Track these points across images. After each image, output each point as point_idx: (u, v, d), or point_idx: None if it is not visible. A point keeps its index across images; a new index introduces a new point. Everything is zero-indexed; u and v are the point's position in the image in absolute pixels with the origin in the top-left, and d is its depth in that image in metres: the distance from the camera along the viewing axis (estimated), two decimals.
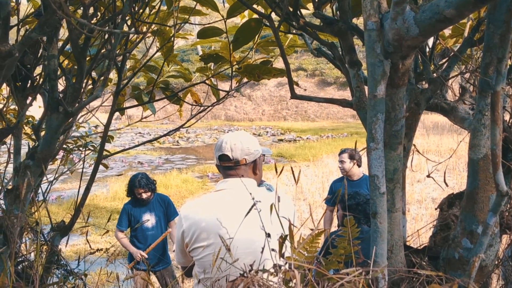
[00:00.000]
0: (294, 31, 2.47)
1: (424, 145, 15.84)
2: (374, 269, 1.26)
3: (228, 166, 2.07)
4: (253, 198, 1.60)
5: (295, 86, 1.91)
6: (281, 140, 22.42)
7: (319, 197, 9.74)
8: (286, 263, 1.13)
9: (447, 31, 2.73)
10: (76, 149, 3.74)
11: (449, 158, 1.94)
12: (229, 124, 30.77)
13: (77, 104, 1.78)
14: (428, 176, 1.86)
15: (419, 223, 7.77)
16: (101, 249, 2.23)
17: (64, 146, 3.52)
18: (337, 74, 31.13)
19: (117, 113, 2.67)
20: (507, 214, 1.51)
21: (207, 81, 2.81)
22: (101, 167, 2.34)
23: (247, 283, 1.02)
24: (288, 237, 1.36)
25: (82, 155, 3.42)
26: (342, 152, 5.29)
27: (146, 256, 4.62)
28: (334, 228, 5.89)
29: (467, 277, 1.31)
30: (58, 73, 1.96)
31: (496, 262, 1.55)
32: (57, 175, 2.58)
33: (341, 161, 5.22)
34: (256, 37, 2.43)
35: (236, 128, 27.41)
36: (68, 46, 2.11)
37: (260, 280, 1.04)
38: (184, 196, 10.93)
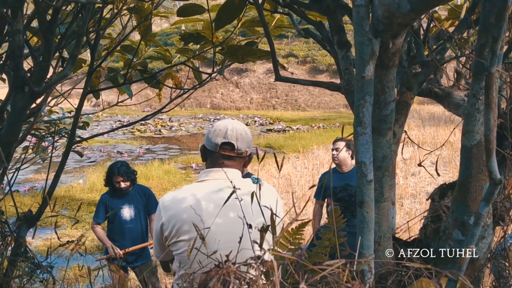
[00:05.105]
0: (281, 10, 2.44)
1: (420, 137, 15.92)
2: (359, 261, 1.25)
3: (227, 155, 1.99)
4: (234, 186, 1.58)
5: (283, 71, 1.89)
6: (270, 130, 22.40)
7: (309, 190, 9.75)
8: (263, 254, 1.12)
9: (443, 14, 2.72)
10: (49, 136, 3.67)
11: (441, 147, 1.93)
12: (215, 113, 30.62)
13: (44, 84, 1.74)
14: (419, 164, 1.85)
15: (412, 217, 7.81)
16: (72, 241, 2.19)
17: (37, 132, 3.46)
18: (329, 61, 31.00)
19: (97, 101, 2.63)
20: (500, 204, 1.51)
21: (188, 63, 2.77)
22: (77, 157, 2.30)
23: (222, 274, 1.00)
24: (270, 228, 1.34)
25: (54, 143, 3.37)
26: (337, 140, 4.95)
27: (122, 255, 4.58)
28: (324, 222, 5.89)
29: (457, 270, 1.31)
30: (26, 51, 1.91)
31: (489, 256, 1.55)
32: (25, 162, 2.53)
33: (337, 149, 4.86)
34: (241, 16, 2.39)
35: (222, 117, 27.29)
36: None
37: (237, 272, 1.02)
38: (166, 188, 10.89)
